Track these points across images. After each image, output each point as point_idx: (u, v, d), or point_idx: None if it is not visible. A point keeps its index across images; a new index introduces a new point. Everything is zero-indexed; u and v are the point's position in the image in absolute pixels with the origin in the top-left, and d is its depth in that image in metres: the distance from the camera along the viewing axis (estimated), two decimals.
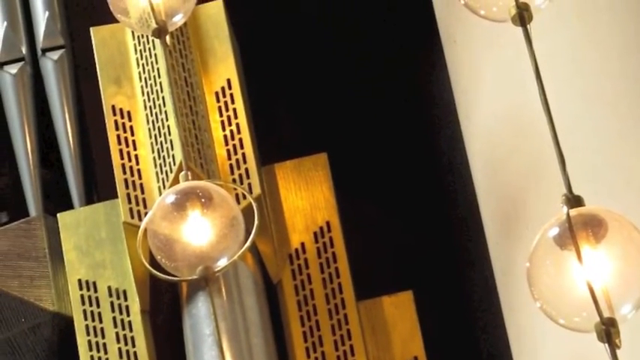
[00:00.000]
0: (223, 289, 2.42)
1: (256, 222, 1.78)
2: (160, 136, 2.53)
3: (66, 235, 2.59)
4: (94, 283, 2.52)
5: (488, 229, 2.57)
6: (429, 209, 3.23)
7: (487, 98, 2.50)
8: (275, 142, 3.04)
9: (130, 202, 2.52)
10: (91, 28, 2.75)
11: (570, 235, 1.17)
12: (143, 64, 2.64)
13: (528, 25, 1.39)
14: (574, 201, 1.25)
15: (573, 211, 1.22)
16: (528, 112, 2.17)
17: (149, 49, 2.62)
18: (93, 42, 2.73)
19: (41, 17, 3.03)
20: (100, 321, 2.48)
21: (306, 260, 2.52)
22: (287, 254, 2.55)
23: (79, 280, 2.53)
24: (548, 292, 1.23)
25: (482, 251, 2.67)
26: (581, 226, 1.19)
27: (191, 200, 1.71)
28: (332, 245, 2.53)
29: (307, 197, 2.58)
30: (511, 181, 2.39)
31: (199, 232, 1.69)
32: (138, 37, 2.65)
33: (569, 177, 1.28)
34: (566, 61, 2.25)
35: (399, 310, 2.53)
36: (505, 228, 2.42)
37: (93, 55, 2.73)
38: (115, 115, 2.62)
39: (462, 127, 2.70)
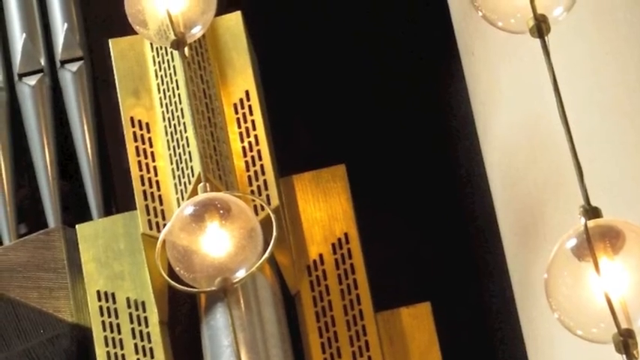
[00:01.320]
0: (242, 301, 2.42)
1: (274, 233, 1.79)
2: (179, 148, 2.54)
3: (85, 247, 2.60)
4: (113, 295, 2.53)
5: (506, 240, 2.57)
6: (448, 221, 3.23)
7: (505, 110, 2.50)
8: (293, 154, 3.04)
9: (148, 213, 2.53)
10: (110, 40, 2.77)
11: (588, 246, 1.18)
12: (162, 76, 2.65)
13: (546, 37, 1.39)
14: (592, 212, 1.25)
15: (591, 223, 1.22)
16: (546, 124, 2.18)
17: (167, 60, 2.63)
18: (111, 54, 2.74)
19: (60, 29, 3.04)
20: (119, 332, 2.48)
21: (324, 272, 2.53)
22: (305, 266, 2.55)
23: (98, 292, 2.54)
24: (566, 303, 1.23)
25: (500, 262, 2.67)
26: (598, 238, 1.19)
27: (209, 212, 1.72)
28: (350, 257, 2.54)
29: (325, 209, 2.58)
30: (529, 193, 2.39)
31: (218, 244, 1.70)
32: (156, 48, 2.67)
33: (587, 188, 1.28)
34: (584, 73, 2.25)
35: (417, 322, 2.53)
36: (523, 239, 2.42)
37: (111, 66, 2.74)
38: (133, 126, 2.63)
39: (479, 139, 2.70)
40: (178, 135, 2.55)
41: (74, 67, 2.99)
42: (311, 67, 3.42)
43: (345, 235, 2.56)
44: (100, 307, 2.52)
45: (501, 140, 2.53)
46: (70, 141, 2.95)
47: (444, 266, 3.17)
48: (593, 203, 1.27)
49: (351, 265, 2.53)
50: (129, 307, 2.52)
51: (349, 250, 2.54)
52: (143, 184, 2.56)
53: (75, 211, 2.95)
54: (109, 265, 2.57)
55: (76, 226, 2.67)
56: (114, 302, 2.52)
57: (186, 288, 1.78)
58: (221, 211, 1.71)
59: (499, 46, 2.45)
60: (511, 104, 2.48)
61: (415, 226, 3.23)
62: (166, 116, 2.60)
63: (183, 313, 2.65)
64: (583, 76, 2.24)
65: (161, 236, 1.80)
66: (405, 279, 3.10)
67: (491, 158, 2.64)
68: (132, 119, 2.64)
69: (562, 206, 2.13)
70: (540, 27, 1.38)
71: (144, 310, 2.51)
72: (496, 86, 2.54)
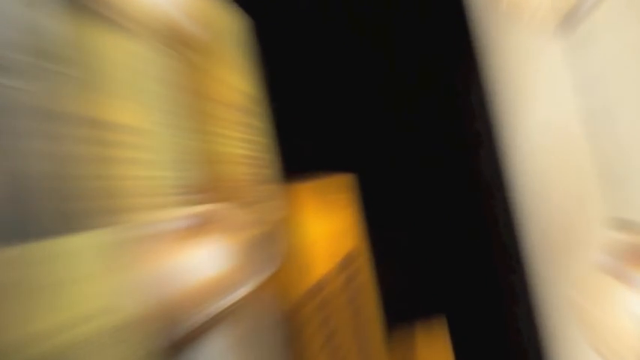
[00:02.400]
0: (242, 321, 2.41)
1: (278, 248, 1.78)
2: (174, 154, 2.53)
3: (69, 263, 2.59)
4: (105, 316, 2.52)
5: (532, 256, 2.55)
6: (467, 235, 3.22)
7: (533, 112, 2.48)
8: (298, 162, 3.03)
9: (140, 227, 2.51)
10: (103, 39, 2.76)
11: (620, 261, 1.16)
12: (155, 77, 2.64)
13: (578, 29, 1.37)
14: (625, 226, 1.23)
15: (624, 236, 1.20)
16: (580, 126, 2.15)
17: (163, 60, 2.62)
18: (104, 53, 2.74)
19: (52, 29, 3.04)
20: (112, 357, 2.47)
21: (331, 290, 2.52)
22: (311, 283, 2.54)
23: (86, 312, 2.53)
24: (596, 323, 1.21)
25: (525, 281, 2.66)
26: (632, 252, 1.17)
27: (207, 224, 1.71)
28: (359, 274, 2.53)
29: (332, 221, 2.57)
30: (558, 203, 2.37)
31: (215, 260, 1.69)
32: (150, 46, 2.66)
33: (624, 199, 1.26)
34: (624, 67, 2.22)
35: (432, 341, 2.53)
36: (551, 254, 2.40)
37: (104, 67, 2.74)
38: (125, 132, 2.62)
39: (502, 145, 2.68)
40: (173, 140, 2.54)
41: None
42: (319, 69, 3.42)
43: (354, 250, 2.55)
44: (90, 330, 2.51)
45: (527, 145, 2.51)
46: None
47: (462, 283, 3.16)
48: (630, 215, 1.25)
49: (361, 282, 2.52)
50: (122, 329, 2.51)
51: (358, 267, 2.53)
52: (132, 195, 2.55)
53: (60, 223, 2.94)
54: (98, 283, 2.56)
55: (62, 239, 2.66)
56: (105, 324, 2.51)
57: (184, 309, 1.77)
58: (220, 224, 1.71)
59: (525, 41, 2.43)
60: (540, 105, 2.45)
61: (431, 242, 3.23)
62: (163, 121, 2.59)
63: (181, 335, 2.63)
64: (622, 71, 2.20)
65: (157, 251, 1.79)
66: (420, 299, 3.09)
67: (515, 165, 2.62)
68: (124, 124, 2.63)
69: (594, 218, 2.11)
70: (567, 21, 1.36)
71: (138, 333, 2.50)
72: (523, 85, 2.51)
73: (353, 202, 2.59)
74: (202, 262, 1.69)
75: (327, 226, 2.58)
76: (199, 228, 1.71)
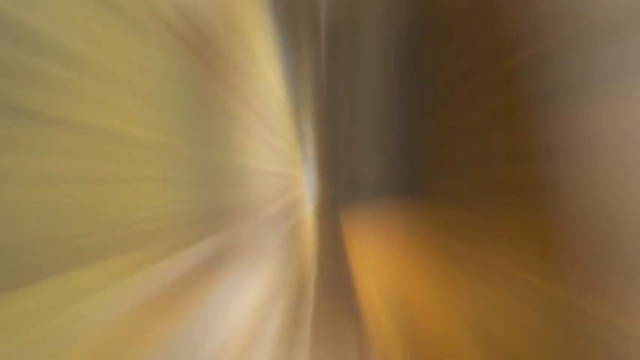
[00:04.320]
0: None
1: (311, 286, 1.62)
2: (195, 173, 2.39)
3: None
4: None
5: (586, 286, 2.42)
6: None
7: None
8: (343, 181, 2.94)
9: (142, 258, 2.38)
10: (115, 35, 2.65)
11: None
12: (177, 82, 2.53)
13: None
14: None
15: None
16: None
17: (185, 64, 2.52)
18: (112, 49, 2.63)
19: None
20: None
21: (381, 334, 2.38)
22: (357, 327, 2.40)
23: None
24: None
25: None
26: None
27: (224, 258, 1.56)
28: (413, 316, 2.39)
29: (381, 253, 2.44)
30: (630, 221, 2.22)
31: (235, 304, 1.54)
32: (170, 49, 2.56)
33: None
34: None
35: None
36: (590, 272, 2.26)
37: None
38: (133, 145, 2.49)
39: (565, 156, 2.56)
40: (192, 154, 2.41)
41: None
42: (361, 76, 3.34)
43: (408, 288, 2.42)
44: None
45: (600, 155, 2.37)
46: None
47: None
48: None
49: (416, 325, 2.38)
50: None
51: (412, 308, 2.40)
52: (133, 219, 2.41)
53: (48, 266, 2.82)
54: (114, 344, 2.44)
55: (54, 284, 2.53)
56: None
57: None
58: (241, 255, 1.56)
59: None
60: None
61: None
62: (175, 131, 2.46)
63: None
64: None
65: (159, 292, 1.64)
66: None
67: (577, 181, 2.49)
68: (127, 135, 2.51)
69: None
70: None
71: None
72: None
73: (406, 228, 2.45)
74: (222, 304, 1.53)
75: (376, 258, 2.45)
76: (223, 261, 1.56)
